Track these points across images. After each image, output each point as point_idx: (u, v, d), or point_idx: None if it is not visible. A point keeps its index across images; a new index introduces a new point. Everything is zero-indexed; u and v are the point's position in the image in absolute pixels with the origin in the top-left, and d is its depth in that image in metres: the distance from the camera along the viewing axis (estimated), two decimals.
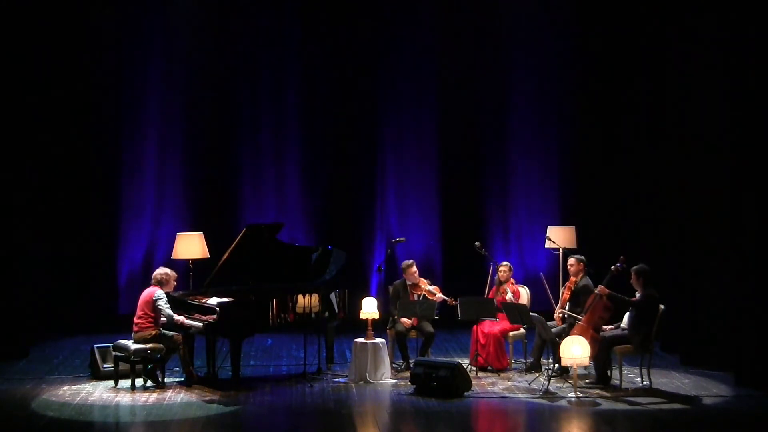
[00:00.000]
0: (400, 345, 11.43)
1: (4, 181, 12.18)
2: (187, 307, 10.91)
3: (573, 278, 11.08)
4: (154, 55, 14.30)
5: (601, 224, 13.83)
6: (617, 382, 10.61)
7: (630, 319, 10.60)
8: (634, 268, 10.59)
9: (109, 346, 10.90)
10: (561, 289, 11.27)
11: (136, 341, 10.58)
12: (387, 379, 10.97)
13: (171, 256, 12.71)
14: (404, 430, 9.49)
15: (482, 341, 11.37)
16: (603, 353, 10.52)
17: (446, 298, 11.56)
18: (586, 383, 10.68)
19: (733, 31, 11.03)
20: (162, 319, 10.65)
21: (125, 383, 10.59)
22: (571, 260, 11.25)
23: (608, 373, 10.61)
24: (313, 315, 11.12)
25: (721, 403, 10.13)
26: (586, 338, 10.37)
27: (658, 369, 11.19)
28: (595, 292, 10.65)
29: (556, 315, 11.00)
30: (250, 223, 12.28)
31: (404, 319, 11.41)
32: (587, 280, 11.10)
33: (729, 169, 11.10)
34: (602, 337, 10.58)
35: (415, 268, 11.69)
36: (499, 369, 11.32)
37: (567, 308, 10.93)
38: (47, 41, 13.26)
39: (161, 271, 10.84)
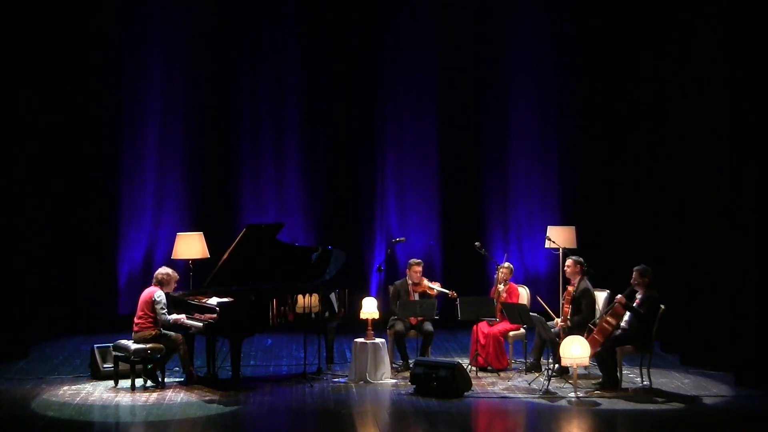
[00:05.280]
0: (398, 345, 11.43)
1: (4, 181, 12.18)
2: (187, 307, 10.91)
3: (570, 287, 11.04)
4: (154, 54, 14.30)
5: (601, 224, 13.83)
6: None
7: (630, 319, 10.59)
8: (638, 267, 10.56)
9: (109, 346, 10.91)
10: (560, 301, 11.24)
11: (136, 341, 10.58)
12: (387, 379, 10.97)
13: (171, 256, 12.71)
14: (404, 430, 9.48)
15: (482, 341, 11.37)
16: (608, 356, 10.47)
17: (447, 291, 11.56)
18: (593, 384, 10.67)
19: (734, 30, 11.03)
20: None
21: (125, 383, 10.59)
22: (569, 261, 11.24)
23: (618, 375, 10.55)
24: (313, 315, 11.12)
25: (721, 403, 10.13)
26: (586, 338, 10.37)
27: (658, 369, 11.19)
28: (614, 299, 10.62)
29: (558, 325, 10.93)
30: (250, 223, 12.28)
31: (412, 318, 11.40)
32: (586, 283, 11.08)
33: (729, 168, 11.11)
34: (603, 339, 10.55)
35: (420, 268, 11.68)
36: (499, 369, 11.32)
37: (569, 316, 10.89)
38: (47, 41, 13.25)
39: (163, 271, 10.84)
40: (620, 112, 13.95)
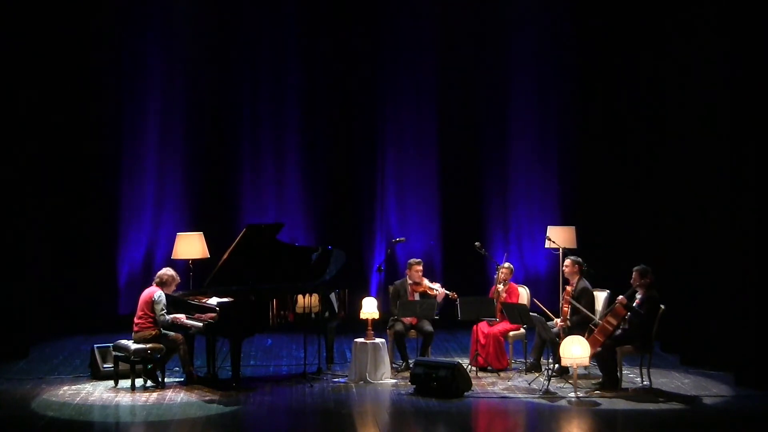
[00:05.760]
0: (398, 345, 11.43)
1: (4, 181, 12.18)
2: (187, 307, 10.91)
3: (569, 288, 11.03)
4: (154, 54, 14.31)
5: (601, 224, 13.83)
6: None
7: (631, 319, 10.59)
8: (637, 268, 10.56)
9: (109, 346, 10.91)
10: (560, 303, 11.23)
11: (136, 341, 10.58)
12: (387, 379, 10.97)
13: (171, 256, 12.71)
14: (404, 430, 9.48)
15: (482, 341, 11.37)
16: (608, 355, 10.47)
17: (448, 292, 11.56)
18: (593, 384, 10.66)
19: (734, 30, 11.03)
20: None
21: (125, 383, 10.59)
22: (567, 261, 11.25)
23: (618, 375, 10.56)
24: (313, 315, 11.12)
25: (721, 403, 10.12)
26: (587, 338, 10.36)
27: (658, 369, 11.19)
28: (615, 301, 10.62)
29: (558, 325, 10.93)
30: (250, 223, 12.28)
31: (398, 325, 11.41)
32: (585, 283, 11.08)
33: (729, 169, 11.10)
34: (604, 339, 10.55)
35: (421, 267, 11.69)
36: (499, 369, 11.32)
37: (568, 317, 10.88)
38: (47, 41, 13.25)
39: (168, 272, 10.82)
40: (620, 112, 13.95)
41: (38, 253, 13.11)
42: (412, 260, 11.81)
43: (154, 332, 10.60)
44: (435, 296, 11.58)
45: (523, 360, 11.52)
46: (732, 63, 11.04)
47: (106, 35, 14.09)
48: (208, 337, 10.95)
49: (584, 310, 10.78)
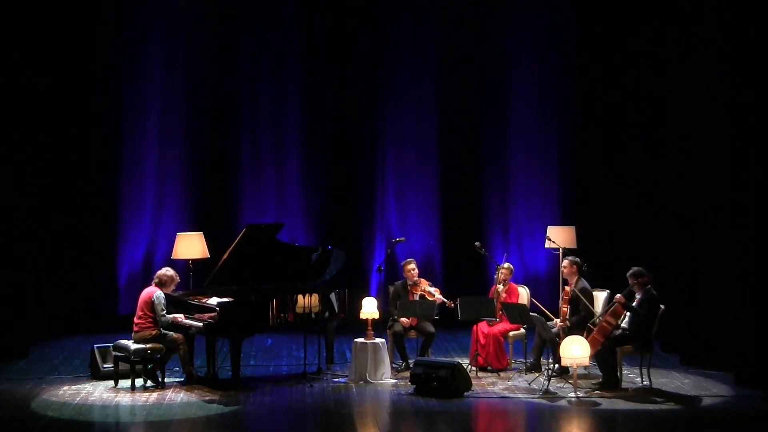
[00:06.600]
0: (397, 345, 11.43)
1: (5, 181, 12.18)
2: (187, 307, 10.91)
3: (568, 288, 11.02)
4: (154, 54, 14.31)
5: (601, 224, 13.83)
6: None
7: (630, 319, 10.59)
8: (630, 272, 10.54)
9: (109, 346, 10.91)
10: (559, 302, 11.22)
11: (136, 341, 10.58)
12: (387, 379, 10.97)
13: (171, 256, 12.71)
14: (404, 430, 9.49)
15: (482, 341, 11.37)
16: (608, 355, 10.47)
17: (445, 300, 11.55)
18: (593, 384, 10.66)
19: (733, 30, 11.04)
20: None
21: (125, 383, 10.59)
22: (565, 262, 11.25)
23: (618, 375, 10.55)
24: (313, 315, 11.13)
25: (721, 403, 10.12)
26: (586, 338, 10.37)
27: (658, 369, 11.19)
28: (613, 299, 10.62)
29: (558, 325, 10.93)
30: (250, 223, 12.27)
31: (403, 319, 11.42)
32: (583, 283, 11.08)
33: (728, 168, 11.11)
34: (604, 339, 10.55)
35: (413, 266, 11.69)
36: (499, 369, 11.32)
37: (567, 317, 10.87)
38: (48, 40, 13.25)
39: (168, 273, 10.81)
40: (620, 113, 13.95)
41: (38, 253, 13.11)
42: (405, 261, 11.81)
43: (154, 332, 10.61)
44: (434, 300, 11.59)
45: (523, 360, 11.52)
46: (732, 63, 11.04)
47: (106, 36, 14.08)
48: (208, 337, 10.95)
49: (584, 299, 10.75)
